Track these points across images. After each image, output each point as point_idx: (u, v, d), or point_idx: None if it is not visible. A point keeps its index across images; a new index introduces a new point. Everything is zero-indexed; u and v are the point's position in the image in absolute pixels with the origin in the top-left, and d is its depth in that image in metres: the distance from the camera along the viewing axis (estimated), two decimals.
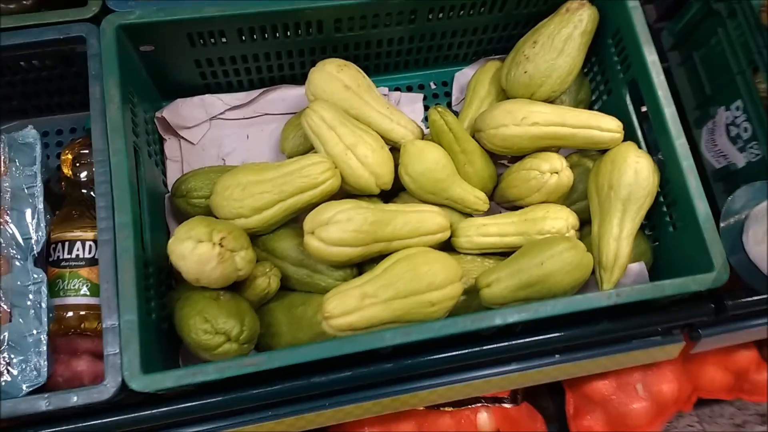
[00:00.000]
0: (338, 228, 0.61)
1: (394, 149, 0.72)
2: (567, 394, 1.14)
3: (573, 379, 1.10)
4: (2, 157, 0.62)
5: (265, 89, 0.80)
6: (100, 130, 0.60)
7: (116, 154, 0.59)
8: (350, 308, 0.58)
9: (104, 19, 0.63)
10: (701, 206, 0.65)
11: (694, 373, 1.15)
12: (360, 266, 0.69)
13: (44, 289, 0.59)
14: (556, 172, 0.70)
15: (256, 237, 0.67)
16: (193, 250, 0.56)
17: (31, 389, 0.56)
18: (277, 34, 0.72)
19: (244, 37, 0.71)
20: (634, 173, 0.67)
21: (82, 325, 0.63)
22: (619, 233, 0.67)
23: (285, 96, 0.81)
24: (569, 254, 0.63)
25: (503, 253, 0.72)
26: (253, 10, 0.66)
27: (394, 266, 0.61)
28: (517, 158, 0.76)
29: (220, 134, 0.79)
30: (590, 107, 0.83)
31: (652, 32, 0.72)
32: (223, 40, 0.70)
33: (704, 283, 0.63)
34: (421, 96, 0.86)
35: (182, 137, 0.77)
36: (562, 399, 1.16)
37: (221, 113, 0.79)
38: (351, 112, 0.71)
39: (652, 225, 0.74)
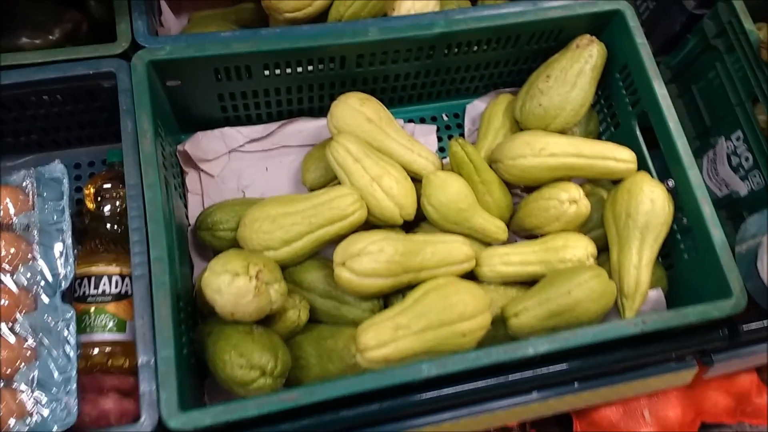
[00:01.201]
0: (370, 259, 0.61)
1: (415, 180, 0.73)
2: (575, 422, 1.14)
3: None
4: (30, 192, 0.61)
5: (282, 122, 0.81)
6: (133, 164, 0.60)
7: (150, 188, 0.59)
8: (385, 340, 0.58)
9: (135, 55, 0.64)
10: (716, 233, 0.67)
11: (697, 398, 1.16)
12: (386, 298, 0.69)
13: (73, 325, 0.58)
14: (575, 202, 0.71)
15: (283, 269, 0.66)
16: (231, 284, 0.56)
17: (61, 431, 0.54)
18: (300, 69, 0.73)
19: (268, 72, 0.72)
20: (651, 202, 0.69)
21: (109, 362, 0.61)
22: (639, 261, 0.69)
23: (302, 128, 0.82)
24: (595, 282, 0.64)
25: (523, 282, 0.73)
26: (280, 47, 0.67)
27: (425, 297, 0.62)
28: (530, 188, 0.78)
29: (240, 166, 0.79)
30: (598, 138, 0.85)
31: None
32: (248, 75, 0.71)
33: (724, 310, 0.64)
34: (434, 127, 0.87)
35: (202, 170, 0.77)
36: (570, 428, 1.16)
37: (240, 146, 0.80)
38: (373, 144, 0.72)
39: (665, 252, 0.76)
